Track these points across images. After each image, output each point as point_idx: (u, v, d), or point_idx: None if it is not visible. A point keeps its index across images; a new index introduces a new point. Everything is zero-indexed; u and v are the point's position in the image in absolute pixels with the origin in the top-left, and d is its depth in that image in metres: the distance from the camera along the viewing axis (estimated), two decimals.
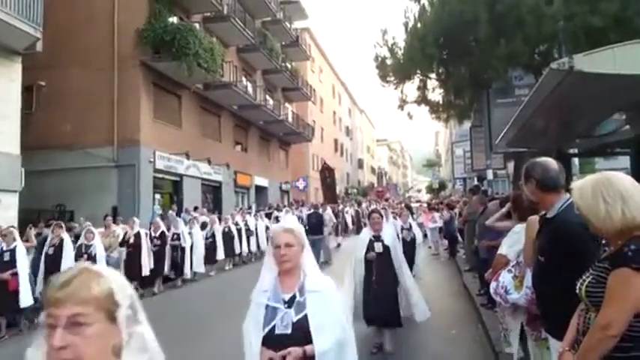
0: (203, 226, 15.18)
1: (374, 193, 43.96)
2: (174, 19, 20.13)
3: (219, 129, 25.26)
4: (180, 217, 17.07)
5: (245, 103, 25.93)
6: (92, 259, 9.40)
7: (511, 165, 16.03)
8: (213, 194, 24.53)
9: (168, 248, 12.50)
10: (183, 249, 12.75)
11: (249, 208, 23.89)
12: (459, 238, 14.96)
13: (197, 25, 20.82)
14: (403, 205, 23.61)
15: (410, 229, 9.96)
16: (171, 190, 21.17)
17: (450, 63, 12.26)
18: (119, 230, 12.27)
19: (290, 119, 33.50)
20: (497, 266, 4.23)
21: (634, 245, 2.03)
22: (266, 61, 28.85)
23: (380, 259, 6.06)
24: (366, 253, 6.12)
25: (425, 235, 19.27)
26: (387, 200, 37.32)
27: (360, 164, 67.45)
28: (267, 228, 18.30)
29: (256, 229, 17.96)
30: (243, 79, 26.94)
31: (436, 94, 14.49)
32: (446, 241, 16.94)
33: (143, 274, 11.26)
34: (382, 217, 6.62)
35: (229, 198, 25.51)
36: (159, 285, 12.14)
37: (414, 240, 9.70)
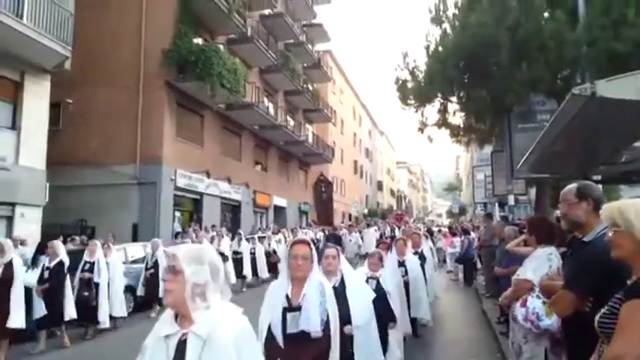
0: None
1: (393, 216, 43.57)
2: (199, 40, 20.55)
3: (240, 148, 25.50)
4: (197, 236, 17.10)
5: (266, 124, 26.18)
6: None
7: (533, 191, 15.79)
8: (232, 213, 24.66)
9: (73, 284, 9.10)
10: (97, 285, 9.34)
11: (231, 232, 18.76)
12: (478, 264, 14.76)
13: (221, 47, 21.19)
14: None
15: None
16: (191, 208, 21.36)
17: (471, 87, 12.17)
18: None
19: (310, 140, 33.70)
20: (520, 291, 4.08)
21: None
22: (288, 83, 29.20)
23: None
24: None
25: (444, 260, 19.26)
26: (407, 224, 36.81)
27: (380, 186, 67.22)
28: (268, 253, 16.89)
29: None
30: (265, 99, 27.24)
31: (457, 118, 14.38)
32: (461, 266, 16.73)
33: (10, 325, 7.41)
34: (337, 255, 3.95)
35: (248, 217, 25.61)
36: (43, 341, 8.39)
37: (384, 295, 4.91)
